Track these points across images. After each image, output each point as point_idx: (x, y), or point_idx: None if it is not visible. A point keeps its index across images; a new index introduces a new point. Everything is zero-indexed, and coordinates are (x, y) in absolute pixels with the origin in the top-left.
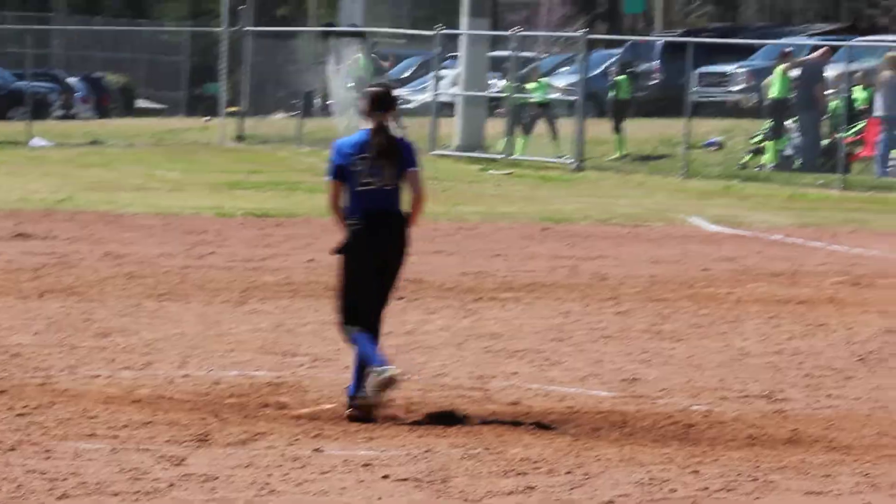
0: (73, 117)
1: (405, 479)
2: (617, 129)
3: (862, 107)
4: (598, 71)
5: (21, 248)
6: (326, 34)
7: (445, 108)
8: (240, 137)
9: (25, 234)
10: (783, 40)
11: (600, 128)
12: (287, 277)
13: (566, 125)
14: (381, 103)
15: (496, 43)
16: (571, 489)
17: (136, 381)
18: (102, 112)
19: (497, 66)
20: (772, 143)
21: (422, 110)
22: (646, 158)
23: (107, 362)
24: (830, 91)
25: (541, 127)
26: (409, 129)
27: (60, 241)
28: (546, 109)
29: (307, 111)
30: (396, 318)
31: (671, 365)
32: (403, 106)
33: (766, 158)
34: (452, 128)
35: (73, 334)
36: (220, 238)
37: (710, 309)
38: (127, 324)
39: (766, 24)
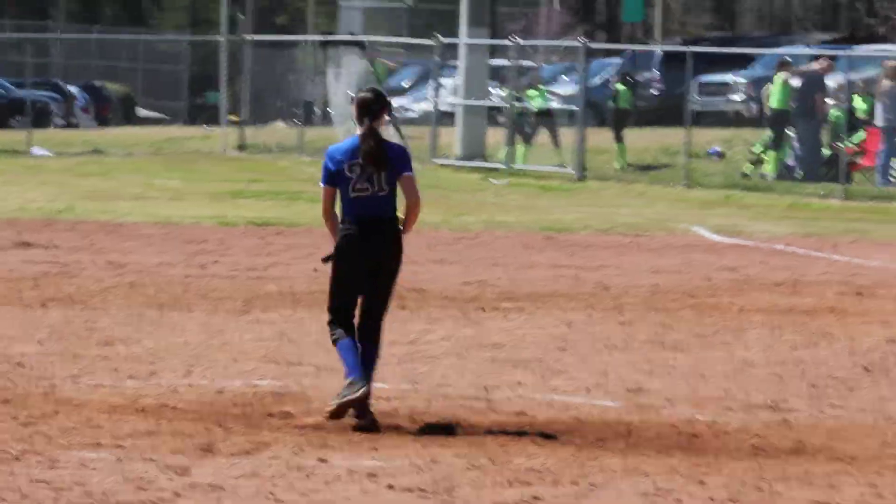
0: (73, 126)
1: (409, 490)
2: (617, 139)
3: (862, 117)
4: (597, 80)
5: (22, 258)
6: (325, 43)
7: (446, 118)
8: (241, 146)
9: (26, 243)
10: (782, 49)
11: (601, 137)
12: (290, 287)
13: (566, 135)
14: (370, 109)
15: (495, 52)
16: (576, 499)
17: (140, 390)
18: (102, 121)
19: (497, 74)
20: (773, 152)
21: (422, 120)
22: (646, 168)
23: (110, 371)
24: (831, 101)
25: (542, 136)
26: (410, 139)
27: (62, 251)
28: (547, 118)
29: (308, 120)
30: (399, 327)
31: (675, 375)
32: (405, 115)
33: (768, 168)
34: (453, 137)
35: (77, 343)
36: (221, 247)
37: (712, 319)
38: (130, 333)
39: (765, 33)
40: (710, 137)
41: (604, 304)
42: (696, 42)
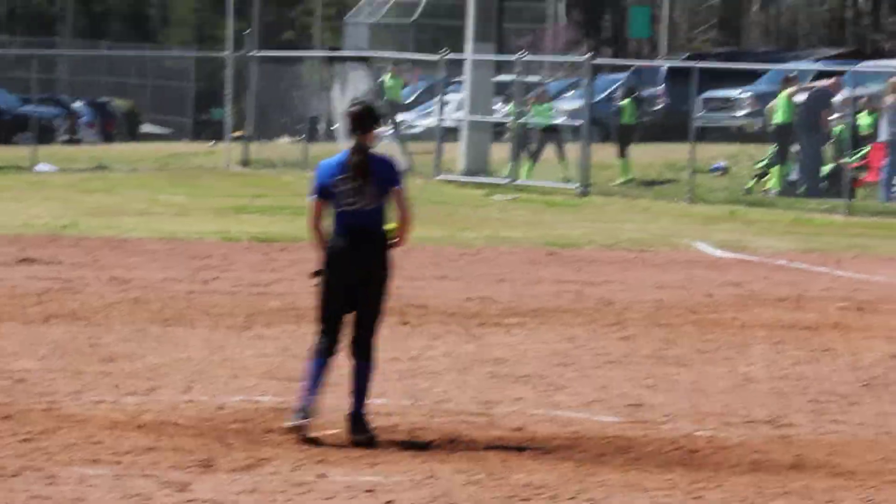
0: (78, 142)
1: None
2: (622, 154)
3: (866, 132)
4: (602, 96)
5: (26, 273)
6: (331, 59)
7: (450, 133)
8: (245, 162)
9: (30, 259)
10: (788, 65)
11: (605, 152)
12: (292, 302)
13: (571, 150)
14: (359, 123)
15: (501, 67)
16: None
17: (140, 406)
18: (107, 137)
19: (502, 90)
20: (777, 168)
21: (427, 135)
22: (651, 183)
23: (112, 387)
24: (835, 116)
25: (547, 151)
26: (415, 154)
27: (65, 266)
28: (553, 133)
29: (312, 136)
30: (401, 343)
31: (676, 390)
32: (410, 131)
33: (772, 184)
34: (457, 153)
35: (79, 359)
36: (225, 263)
37: (715, 334)
38: (132, 349)
39: (771, 48)
40: (714, 153)
41: (606, 320)
42: (701, 57)
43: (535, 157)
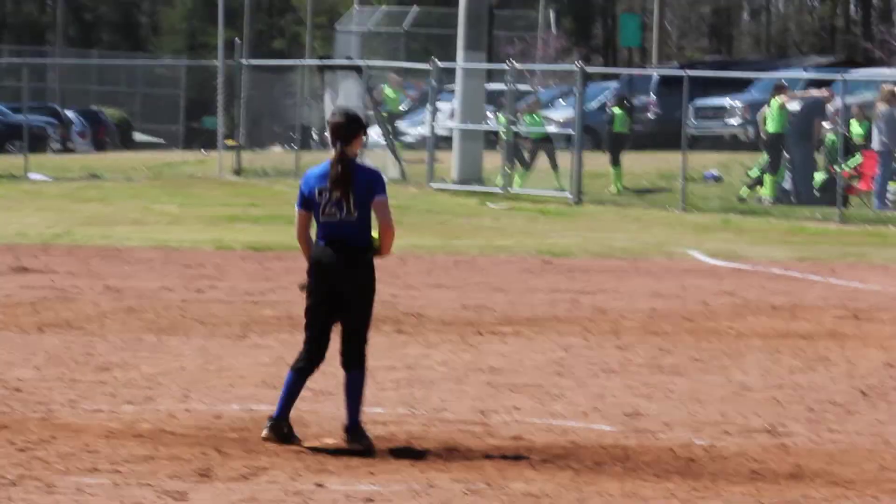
0: (70, 151)
1: None
2: (614, 163)
3: (859, 141)
4: (594, 104)
5: (20, 283)
6: (322, 67)
7: (443, 142)
8: (237, 171)
9: (24, 268)
10: (779, 73)
11: (597, 161)
12: (287, 311)
13: (563, 159)
14: (340, 133)
15: (492, 76)
16: None
17: (137, 415)
18: (99, 146)
19: (494, 99)
20: (770, 176)
21: (419, 144)
22: (643, 192)
23: (108, 396)
24: (827, 125)
25: (541, 160)
26: (407, 163)
27: (59, 276)
28: (545, 143)
29: (304, 144)
30: (397, 352)
31: (673, 399)
32: (402, 139)
33: (765, 192)
34: (450, 161)
35: (74, 368)
36: (219, 272)
37: (710, 343)
38: (127, 358)
39: (762, 57)
40: (706, 161)
41: (601, 329)
42: (692, 66)
43: (527, 165)
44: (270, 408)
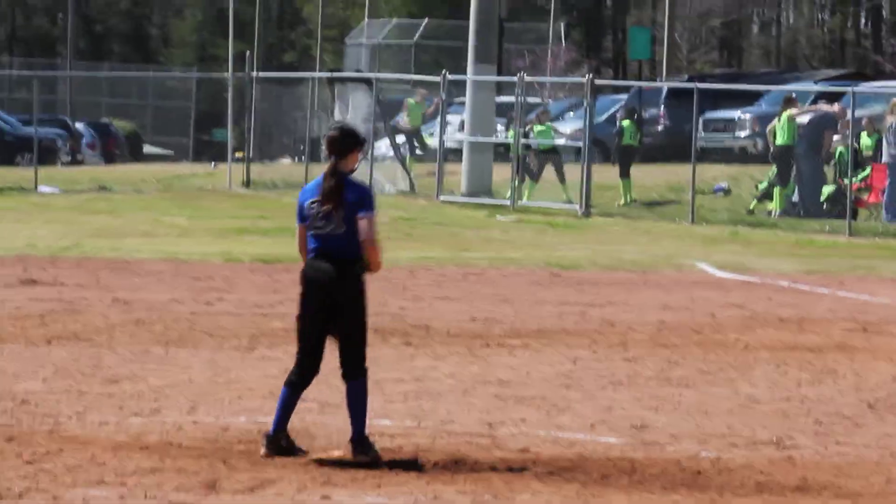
0: (80, 163)
1: None
2: (623, 175)
3: (868, 153)
4: (604, 117)
5: (28, 295)
6: (332, 80)
7: (452, 154)
8: (247, 183)
9: (33, 280)
10: (788, 86)
11: (607, 173)
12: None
13: (572, 171)
14: (334, 148)
15: (502, 88)
16: None
17: (144, 427)
18: (109, 158)
19: (503, 111)
20: (779, 189)
21: (428, 156)
22: (652, 204)
23: (115, 409)
24: (836, 138)
25: (548, 172)
26: (417, 176)
27: (68, 288)
28: (552, 155)
29: (313, 157)
30: (404, 364)
31: (680, 411)
32: (413, 152)
33: (774, 205)
34: (459, 173)
35: (82, 381)
36: (228, 284)
37: (718, 355)
38: (135, 370)
39: (771, 69)
40: (715, 174)
41: (610, 341)
42: (702, 79)
43: (534, 177)
44: None
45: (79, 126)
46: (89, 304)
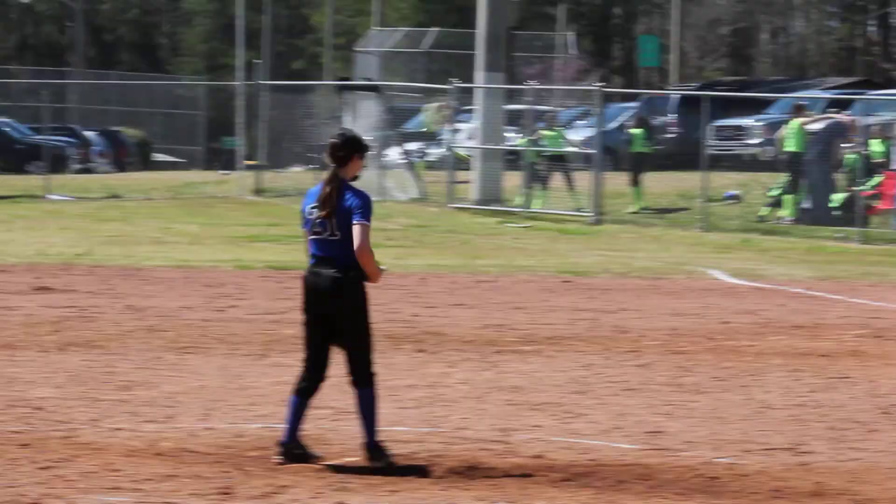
0: (90, 171)
1: None
2: (634, 183)
3: (879, 160)
4: (614, 124)
5: (41, 302)
6: (342, 88)
7: (462, 162)
8: (257, 191)
9: (46, 287)
10: (798, 94)
11: (617, 181)
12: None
13: (583, 178)
14: (334, 154)
15: (512, 96)
16: None
17: (158, 434)
18: (120, 166)
19: (513, 119)
20: (790, 196)
21: (439, 164)
22: (663, 211)
23: (129, 415)
24: (847, 145)
25: (558, 179)
26: (429, 183)
27: (80, 295)
28: (561, 162)
29: (324, 164)
30: (418, 370)
31: (694, 417)
32: (424, 159)
33: (785, 212)
34: (470, 181)
35: (96, 387)
36: (240, 291)
37: (731, 362)
38: (148, 377)
39: (781, 77)
40: (726, 181)
41: (622, 347)
42: (712, 86)
43: (543, 184)
44: None
45: (90, 135)
46: (102, 312)
